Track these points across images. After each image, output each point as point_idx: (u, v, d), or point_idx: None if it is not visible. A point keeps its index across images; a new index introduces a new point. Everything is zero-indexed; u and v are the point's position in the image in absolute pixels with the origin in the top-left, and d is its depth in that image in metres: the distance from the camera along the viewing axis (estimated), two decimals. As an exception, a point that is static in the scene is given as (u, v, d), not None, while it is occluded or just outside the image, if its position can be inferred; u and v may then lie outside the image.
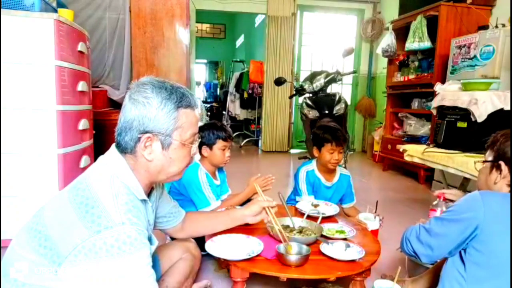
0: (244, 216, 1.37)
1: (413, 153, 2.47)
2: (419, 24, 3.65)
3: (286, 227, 1.56)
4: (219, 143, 1.84)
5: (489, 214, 0.98)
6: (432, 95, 3.19)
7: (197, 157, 1.88)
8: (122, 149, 0.93)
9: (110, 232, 0.79)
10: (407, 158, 2.55)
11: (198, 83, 9.82)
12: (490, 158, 1.14)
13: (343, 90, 5.91)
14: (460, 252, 1.06)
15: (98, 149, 2.55)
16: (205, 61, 11.39)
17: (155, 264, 0.92)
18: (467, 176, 2.03)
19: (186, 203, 1.85)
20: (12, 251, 0.88)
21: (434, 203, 1.56)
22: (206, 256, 1.53)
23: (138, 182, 0.93)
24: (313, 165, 2.14)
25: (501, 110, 2.17)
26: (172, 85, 0.94)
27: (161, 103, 0.90)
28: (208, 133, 1.84)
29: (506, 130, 1.13)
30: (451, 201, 1.50)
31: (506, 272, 0.97)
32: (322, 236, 1.48)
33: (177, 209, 1.27)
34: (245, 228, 1.58)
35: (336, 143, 1.98)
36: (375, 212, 1.86)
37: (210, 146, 1.85)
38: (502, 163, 1.08)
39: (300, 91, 3.46)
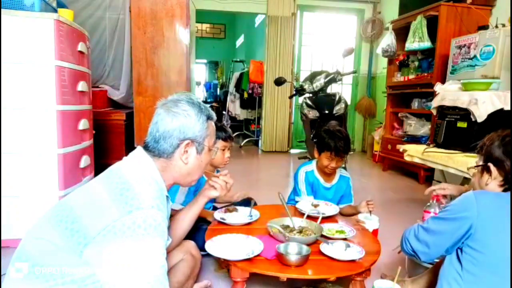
0: (206, 191, 1.35)
1: (413, 153, 2.47)
2: (419, 24, 3.65)
3: (286, 227, 1.57)
4: (219, 143, 1.82)
5: (483, 213, 1.01)
6: (432, 95, 3.19)
7: None
8: (158, 154, 1.06)
9: (140, 213, 0.88)
10: (407, 158, 2.56)
11: (198, 83, 9.83)
12: (480, 162, 1.18)
13: (343, 90, 5.91)
14: (457, 251, 1.08)
15: (98, 149, 2.56)
16: (205, 61, 11.39)
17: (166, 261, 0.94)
18: (467, 176, 2.03)
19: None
20: (34, 238, 0.92)
21: (428, 204, 1.60)
22: (206, 256, 1.53)
23: (163, 180, 1.05)
24: (312, 166, 2.13)
25: (501, 110, 2.17)
26: (199, 101, 1.12)
27: (197, 115, 1.08)
28: None
29: (492, 133, 1.17)
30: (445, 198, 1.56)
31: (502, 270, 0.98)
32: (322, 236, 1.48)
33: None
34: (245, 228, 1.59)
35: (335, 153, 1.95)
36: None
37: None
38: (490, 165, 1.12)
39: (300, 91, 3.46)
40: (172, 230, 1.31)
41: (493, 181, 1.12)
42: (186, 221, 1.35)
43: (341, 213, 2.15)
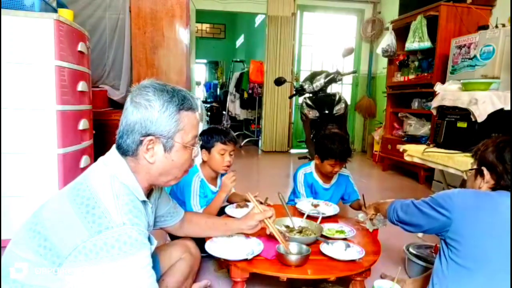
0: (241, 230, 1.37)
1: (413, 153, 2.47)
2: (419, 24, 3.64)
3: (286, 227, 1.56)
4: (217, 146, 1.76)
5: (460, 209, 1.07)
6: (432, 95, 3.19)
7: (198, 160, 1.84)
8: (124, 152, 0.94)
9: (111, 232, 0.80)
10: (407, 158, 2.55)
11: (198, 83, 9.82)
12: (474, 167, 1.23)
13: (343, 90, 5.91)
14: (442, 244, 1.15)
15: (98, 149, 2.55)
16: (205, 61, 11.38)
17: (155, 264, 0.92)
18: (467, 176, 2.03)
19: (184, 207, 1.84)
20: (10, 253, 0.88)
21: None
22: (206, 256, 1.53)
23: (138, 184, 0.94)
24: (311, 168, 2.14)
25: (501, 110, 2.17)
26: (173, 88, 0.95)
27: (163, 106, 0.91)
28: (207, 136, 1.78)
29: (486, 139, 1.22)
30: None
31: (480, 258, 1.03)
32: (322, 236, 1.48)
33: (175, 209, 1.27)
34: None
35: (340, 159, 1.96)
36: (364, 206, 1.87)
37: (209, 149, 1.77)
38: (484, 169, 1.16)
39: (300, 91, 3.46)
40: (189, 226, 1.32)
41: (485, 184, 1.15)
42: (205, 233, 1.39)
43: (351, 207, 2.21)
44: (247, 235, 1.44)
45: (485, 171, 1.15)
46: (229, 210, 1.77)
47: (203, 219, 1.41)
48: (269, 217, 1.33)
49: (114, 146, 0.97)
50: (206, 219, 1.42)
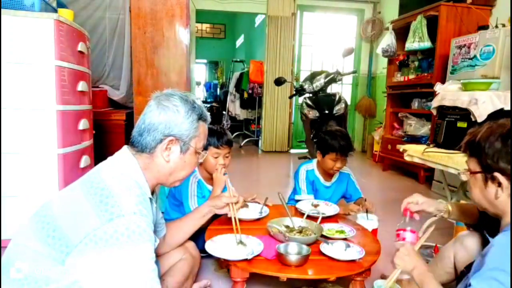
0: (211, 211, 1.41)
1: (413, 153, 2.47)
2: (419, 24, 3.64)
3: (286, 227, 1.57)
4: (210, 150, 1.73)
5: None
6: (432, 95, 3.19)
7: None
8: (141, 149, 1.02)
9: (122, 220, 0.84)
10: (407, 158, 2.55)
11: (198, 83, 9.82)
12: (476, 168, 0.99)
13: (343, 90, 5.91)
14: None
15: (98, 149, 2.55)
16: (205, 61, 11.38)
17: (155, 264, 0.93)
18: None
19: (182, 208, 1.84)
20: (16, 245, 0.90)
21: (401, 222, 1.38)
22: (206, 256, 1.53)
23: (146, 181, 1.00)
24: (313, 165, 2.15)
25: (501, 110, 2.17)
26: (193, 100, 1.07)
27: (187, 113, 1.03)
28: None
29: (481, 129, 0.98)
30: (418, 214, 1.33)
31: None
32: (322, 236, 1.48)
33: (163, 221, 1.28)
34: (245, 228, 1.59)
35: (341, 153, 1.97)
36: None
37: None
38: (498, 175, 0.92)
39: (300, 91, 3.46)
40: (169, 236, 1.31)
41: (504, 193, 0.92)
42: (186, 231, 1.36)
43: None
44: (247, 235, 1.44)
45: (501, 178, 0.91)
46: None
47: (178, 220, 1.41)
48: (236, 203, 1.41)
49: (125, 147, 1.05)
50: (181, 219, 1.42)
